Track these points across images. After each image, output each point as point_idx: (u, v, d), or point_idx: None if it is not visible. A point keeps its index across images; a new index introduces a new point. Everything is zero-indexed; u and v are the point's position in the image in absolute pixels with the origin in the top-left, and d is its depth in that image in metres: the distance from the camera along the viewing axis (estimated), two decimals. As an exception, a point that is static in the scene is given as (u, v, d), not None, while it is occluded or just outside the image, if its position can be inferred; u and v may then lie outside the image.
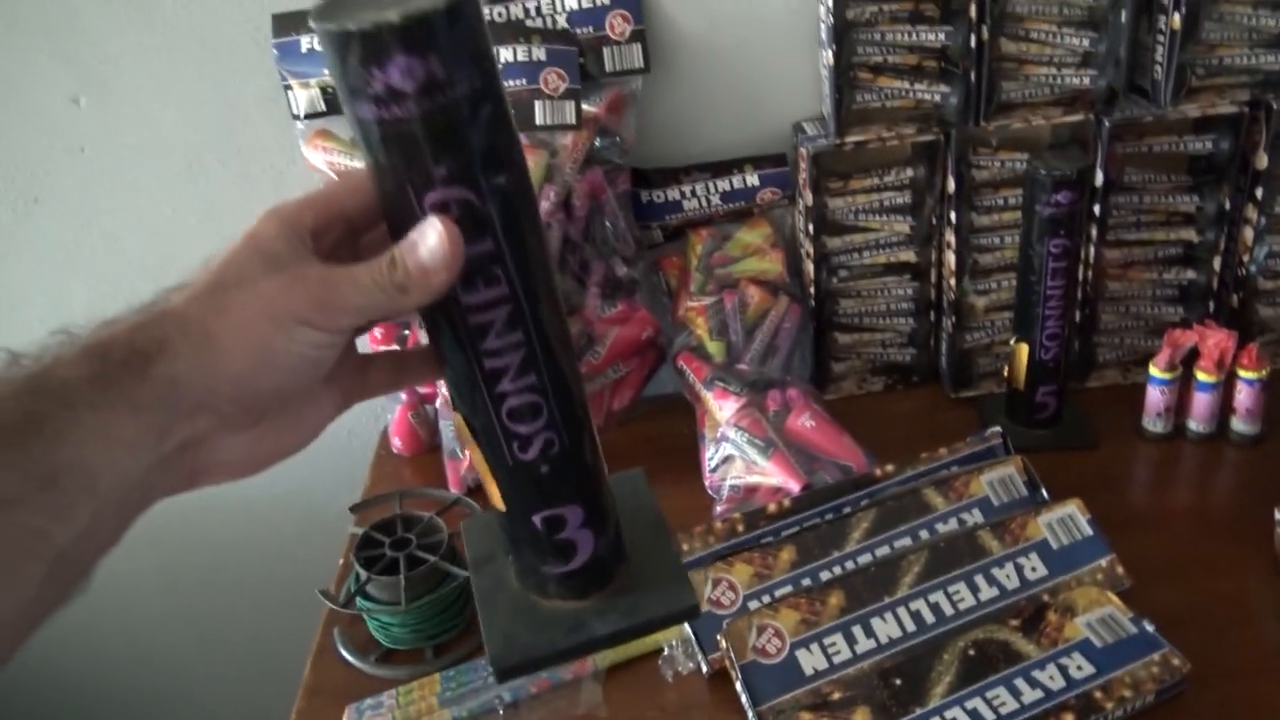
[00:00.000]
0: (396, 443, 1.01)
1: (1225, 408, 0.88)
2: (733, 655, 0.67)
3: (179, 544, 1.17)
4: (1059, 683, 0.64)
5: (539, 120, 0.86)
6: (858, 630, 0.69)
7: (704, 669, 0.70)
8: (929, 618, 0.69)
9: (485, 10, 0.87)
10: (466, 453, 0.43)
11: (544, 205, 0.86)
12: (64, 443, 0.32)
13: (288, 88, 0.90)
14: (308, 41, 0.88)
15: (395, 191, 0.36)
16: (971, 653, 0.66)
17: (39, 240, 1.00)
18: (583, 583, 0.44)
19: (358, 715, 0.72)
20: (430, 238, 0.35)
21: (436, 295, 0.36)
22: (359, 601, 0.77)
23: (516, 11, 0.89)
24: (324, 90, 0.89)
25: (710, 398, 0.89)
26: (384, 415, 1.04)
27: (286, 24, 0.89)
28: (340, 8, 0.34)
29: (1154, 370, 0.88)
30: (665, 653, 0.72)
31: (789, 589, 0.72)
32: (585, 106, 0.88)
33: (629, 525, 0.45)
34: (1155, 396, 0.89)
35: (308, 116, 0.90)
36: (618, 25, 0.89)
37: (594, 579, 0.44)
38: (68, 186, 0.97)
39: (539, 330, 0.39)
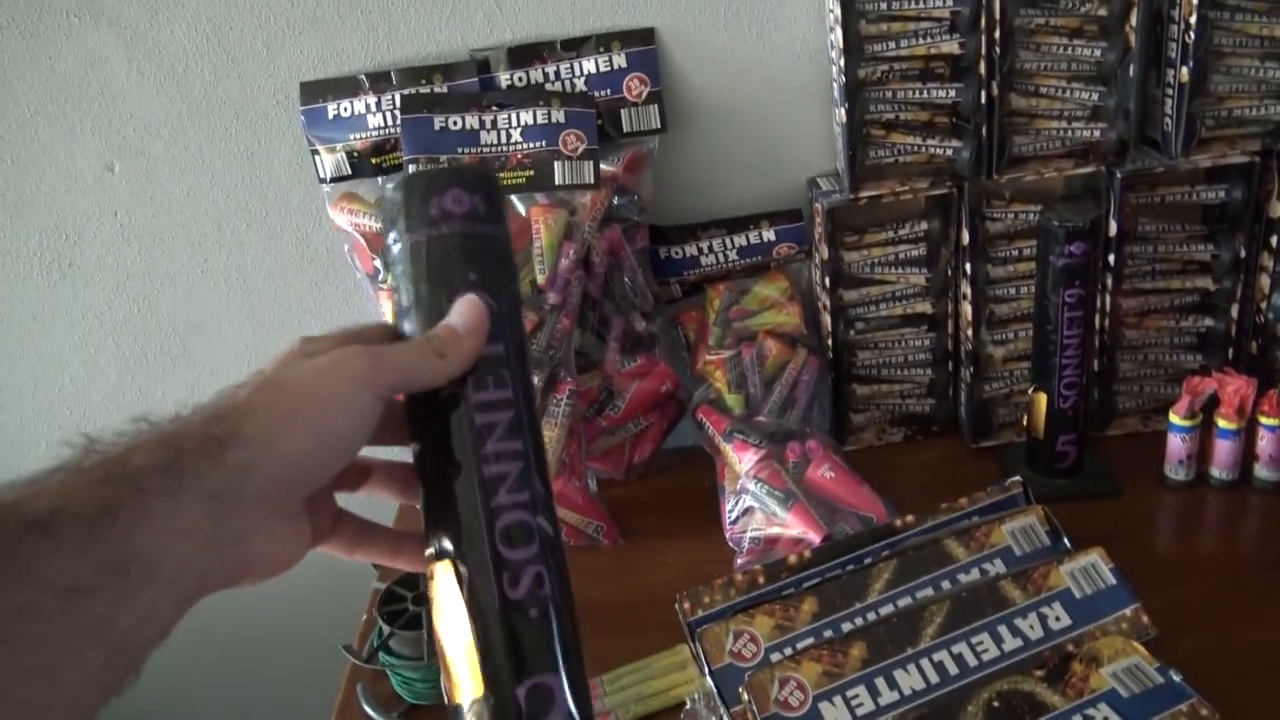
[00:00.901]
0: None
1: (1248, 454, 0.88)
2: (755, 708, 0.67)
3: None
4: (1085, 734, 0.63)
5: (559, 180, 0.88)
6: (880, 682, 0.68)
7: (727, 722, 0.70)
8: (952, 669, 0.69)
9: (507, 75, 0.90)
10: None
11: (564, 263, 0.88)
12: (135, 532, 0.33)
13: (314, 152, 0.93)
14: (334, 108, 0.91)
15: (431, 296, 0.43)
16: (996, 704, 0.66)
17: (73, 303, 1.02)
18: None
19: (381, 771, 0.72)
20: (462, 309, 0.42)
21: (468, 362, 0.41)
22: (382, 656, 0.77)
23: (537, 76, 0.91)
24: (349, 154, 0.92)
25: (730, 450, 0.89)
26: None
27: (313, 91, 0.92)
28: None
29: (1174, 418, 0.88)
30: (688, 706, 0.72)
31: (811, 640, 0.72)
32: (604, 166, 0.90)
33: None
34: (1176, 444, 0.89)
35: (333, 180, 0.93)
36: (635, 87, 0.92)
37: None
38: (101, 250, 1.00)
39: (535, 443, 0.42)
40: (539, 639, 0.39)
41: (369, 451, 0.42)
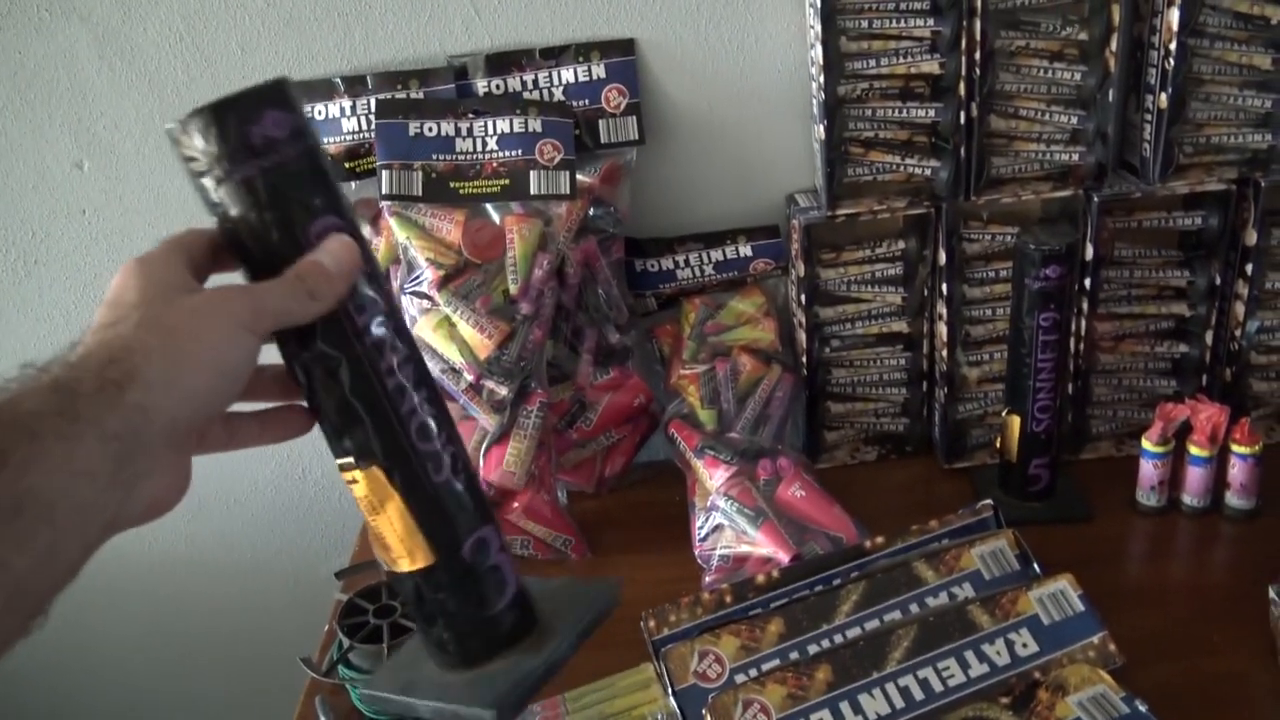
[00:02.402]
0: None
1: (1219, 482, 0.87)
2: (718, 731, 0.66)
3: (167, 599, 1.17)
4: (1050, 764, 0.63)
5: (534, 190, 0.87)
6: (845, 707, 0.68)
7: (689, 744, 0.69)
8: (918, 694, 0.68)
9: (484, 82, 0.90)
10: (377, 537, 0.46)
11: (537, 273, 0.87)
12: (27, 473, 0.33)
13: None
14: (308, 112, 0.90)
15: (280, 231, 0.41)
16: (961, 731, 0.65)
17: (39, 301, 1.01)
18: (519, 618, 0.47)
19: (336, 788, 0.70)
20: (333, 248, 0.42)
21: (338, 300, 0.42)
22: (340, 670, 0.76)
23: (514, 84, 0.90)
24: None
25: (700, 466, 0.89)
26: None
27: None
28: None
29: (1146, 444, 0.88)
30: (650, 727, 0.71)
31: (776, 662, 0.71)
32: (580, 177, 0.90)
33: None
34: (1149, 470, 0.88)
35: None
36: (613, 98, 0.91)
37: (526, 613, 0.48)
38: (69, 248, 0.98)
39: (412, 347, 0.44)
40: (467, 504, 0.45)
41: None
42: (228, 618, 1.18)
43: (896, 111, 0.89)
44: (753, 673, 0.71)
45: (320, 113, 0.90)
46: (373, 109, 0.88)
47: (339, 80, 0.90)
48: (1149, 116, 0.88)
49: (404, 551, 0.44)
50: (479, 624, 0.46)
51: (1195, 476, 0.87)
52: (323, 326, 0.42)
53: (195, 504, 1.10)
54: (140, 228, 0.98)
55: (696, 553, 0.87)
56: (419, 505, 0.44)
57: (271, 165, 0.41)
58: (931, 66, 0.87)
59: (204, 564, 1.15)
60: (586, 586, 0.52)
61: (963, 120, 0.88)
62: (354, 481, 0.44)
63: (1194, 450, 0.86)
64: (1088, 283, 0.92)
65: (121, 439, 0.35)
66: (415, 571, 0.45)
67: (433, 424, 0.44)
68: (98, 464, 0.35)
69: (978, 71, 0.86)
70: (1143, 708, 0.65)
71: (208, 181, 0.41)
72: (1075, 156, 0.90)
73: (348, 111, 0.90)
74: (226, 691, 1.22)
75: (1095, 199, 0.90)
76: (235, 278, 0.44)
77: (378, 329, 0.43)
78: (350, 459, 0.43)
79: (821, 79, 0.87)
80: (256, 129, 0.40)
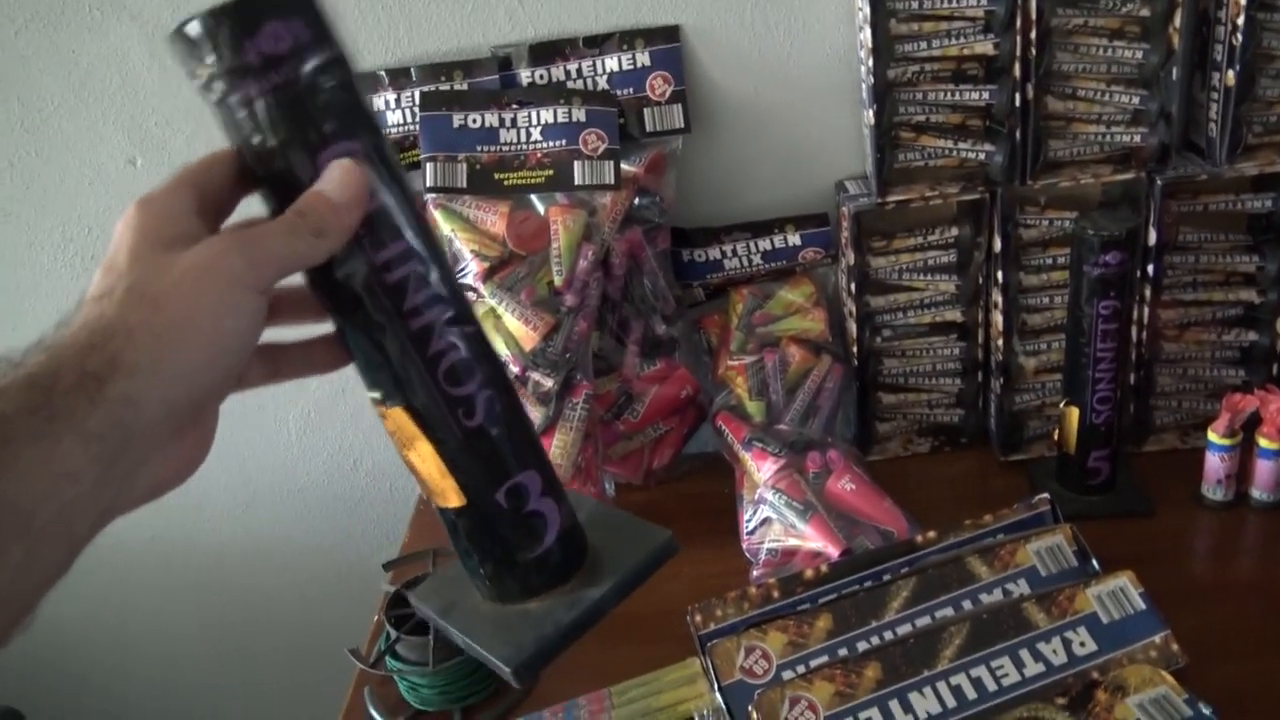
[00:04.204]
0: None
1: (1290, 476, 0.84)
2: (764, 728, 0.65)
3: (220, 590, 1.19)
4: (1108, 767, 0.61)
5: (578, 180, 0.87)
6: (895, 705, 0.66)
7: (735, 741, 0.68)
8: (970, 694, 0.67)
9: (528, 72, 0.89)
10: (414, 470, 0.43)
11: (582, 264, 0.86)
12: None
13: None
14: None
15: (288, 159, 0.37)
16: (1015, 732, 0.63)
17: (96, 296, 1.02)
18: (560, 562, 0.44)
19: (382, 779, 0.71)
20: (337, 176, 0.36)
21: (348, 236, 0.37)
22: (388, 661, 0.76)
23: (558, 73, 0.90)
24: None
25: (749, 458, 0.87)
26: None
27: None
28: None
29: (1213, 436, 0.84)
30: (696, 722, 0.70)
31: (824, 659, 0.70)
32: (625, 166, 0.89)
33: (578, 514, 0.46)
34: (1215, 463, 0.85)
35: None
36: (658, 86, 0.90)
37: (569, 557, 0.44)
38: (123, 244, 1.00)
39: (449, 283, 0.40)
40: (504, 450, 0.42)
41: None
42: (281, 608, 1.20)
43: (949, 94, 0.87)
44: (800, 669, 0.69)
45: (366, 106, 0.90)
46: (417, 101, 0.88)
47: (383, 73, 0.90)
48: (1215, 95, 0.85)
49: (437, 490, 0.42)
50: (513, 567, 0.43)
51: (1264, 470, 0.84)
52: (338, 261, 0.38)
53: (250, 496, 1.12)
54: (192, 223, 0.99)
55: (744, 546, 0.86)
56: (447, 449, 0.41)
57: (271, 85, 0.36)
58: (985, 47, 0.85)
59: (258, 555, 1.16)
60: (645, 531, 0.47)
61: (1018, 102, 0.85)
62: (383, 417, 0.41)
63: (1263, 443, 0.83)
64: (1150, 269, 0.89)
65: (104, 437, 0.32)
66: (449, 509, 0.43)
67: (465, 367, 0.40)
68: (80, 464, 0.31)
69: (1034, 51, 0.83)
70: (1207, 710, 0.63)
71: (210, 98, 0.37)
72: (1137, 138, 0.87)
73: (392, 104, 0.90)
74: (279, 681, 1.24)
75: (1158, 182, 0.87)
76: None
77: (402, 264, 0.39)
78: (378, 394, 0.41)
79: (871, 62, 0.85)
80: (251, 44, 0.35)
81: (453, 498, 0.42)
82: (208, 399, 0.37)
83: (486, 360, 0.41)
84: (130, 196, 1.05)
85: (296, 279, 0.39)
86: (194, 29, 0.36)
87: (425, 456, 0.41)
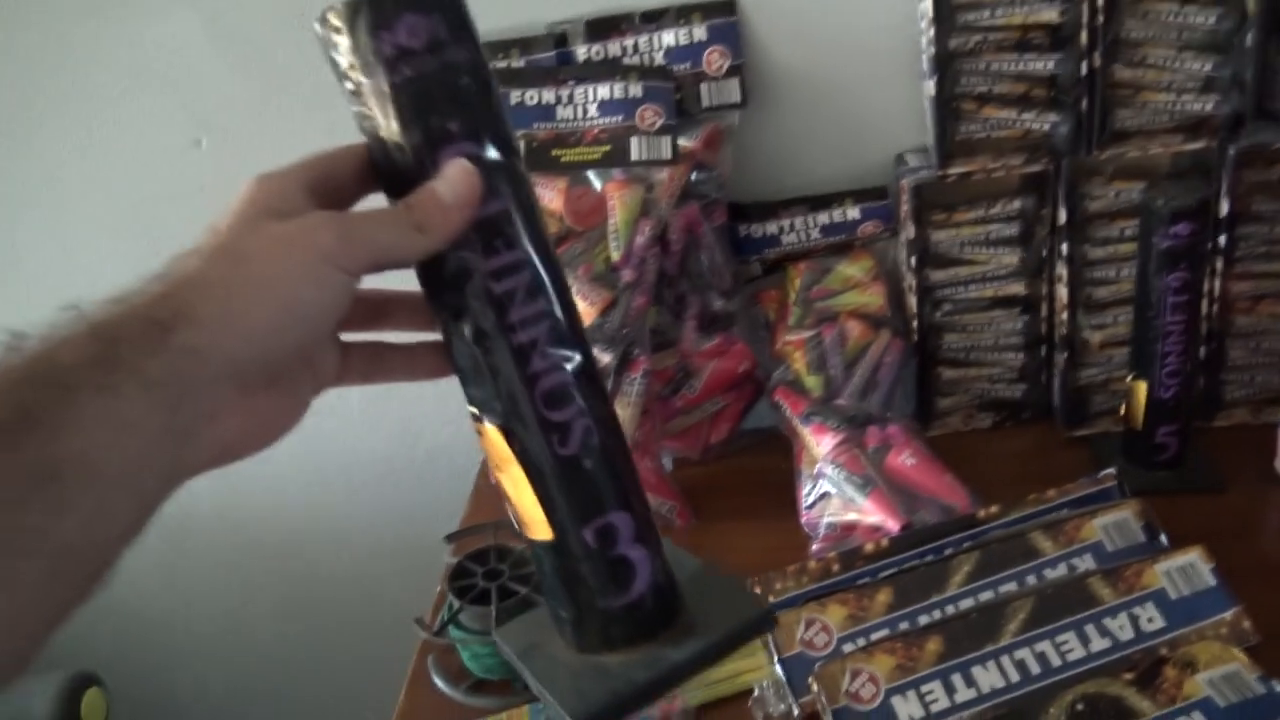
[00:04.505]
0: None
1: (1368, 452, 0.82)
2: (824, 700, 0.65)
3: (287, 564, 1.21)
4: (1176, 743, 0.60)
5: (635, 156, 0.87)
6: (957, 679, 0.66)
7: (795, 712, 0.68)
8: (1034, 668, 0.66)
9: (584, 49, 0.89)
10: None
11: (639, 240, 0.86)
12: (63, 433, 0.30)
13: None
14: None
15: (408, 154, 0.37)
16: (1080, 707, 0.63)
17: (165, 277, 1.05)
18: (647, 617, 0.42)
19: (447, 745, 0.72)
20: (451, 174, 0.36)
21: (452, 236, 0.37)
22: (451, 631, 0.77)
23: (614, 49, 0.90)
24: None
25: (807, 433, 0.87)
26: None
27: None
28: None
29: (1286, 410, 0.82)
30: (755, 694, 0.70)
31: (885, 632, 0.70)
32: (682, 141, 0.88)
33: (675, 572, 0.44)
34: (1288, 438, 0.83)
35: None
36: (715, 60, 0.89)
37: (657, 613, 0.42)
38: (189, 226, 1.02)
39: (561, 299, 0.39)
40: (596, 485, 0.40)
41: (381, 282, 0.39)
42: (346, 581, 1.22)
43: (1012, 64, 0.85)
44: (860, 642, 0.69)
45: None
46: (475, 79, 0.89)
47: (442, 51, 0.90)
48: (1292, 60, 0.82)
49: (527, 519, 0.41)
50: (594, 614, 0.41)
51: (1341, 445, 0.82)
52: (448, 261, 0.38)
53: (315, 473, 1.14)
54: (256, 203, 1.01)
55: (803, 521, 0.86)
56: (536, 475, 0.39)
57: (403, 79, 0.36)
58: (1050, 15, 0.83)
59: (324, 530, 1.19)
60: (743, 600, 0.46)
61: (1084, 71, 0.83)
62: (480, 435, 0.40)
63: (1340, 417, 0.81)
64: (1222, 240, 0.87)
65: (166, 385, 0.31)
66: (537, 542, 0.41)
67: (565, 392, 0.39)
68: (143, 414, 0.31)
69: (1101, 18, 0.81)
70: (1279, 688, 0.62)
71: (346, 87, 0.38)
72: (1209, 106, 0.84)
73: (451, 82, 0.90)
74: (346, 651, 1.27)
75: (1231, 151, 0.84)
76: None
77: (511, 274, 0.38)
78: (475, 410, 0.40)
79: (932, 32, 0.83)
80: (388, 35, 0.36)
81: (541, 530, 0.40)
82: (275, 367, 0.36)
83: (591, 389, 0.40)
84: (196, 178, 1.07)
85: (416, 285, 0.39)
86: (333, 18, 0.36)
87: (516, 481, 0.40)
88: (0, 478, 0.29)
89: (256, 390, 0.36)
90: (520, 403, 0.39)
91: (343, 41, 0.36)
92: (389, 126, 0.37)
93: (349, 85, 0.37)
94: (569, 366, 0.39)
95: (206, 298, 0.33)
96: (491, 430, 0.40)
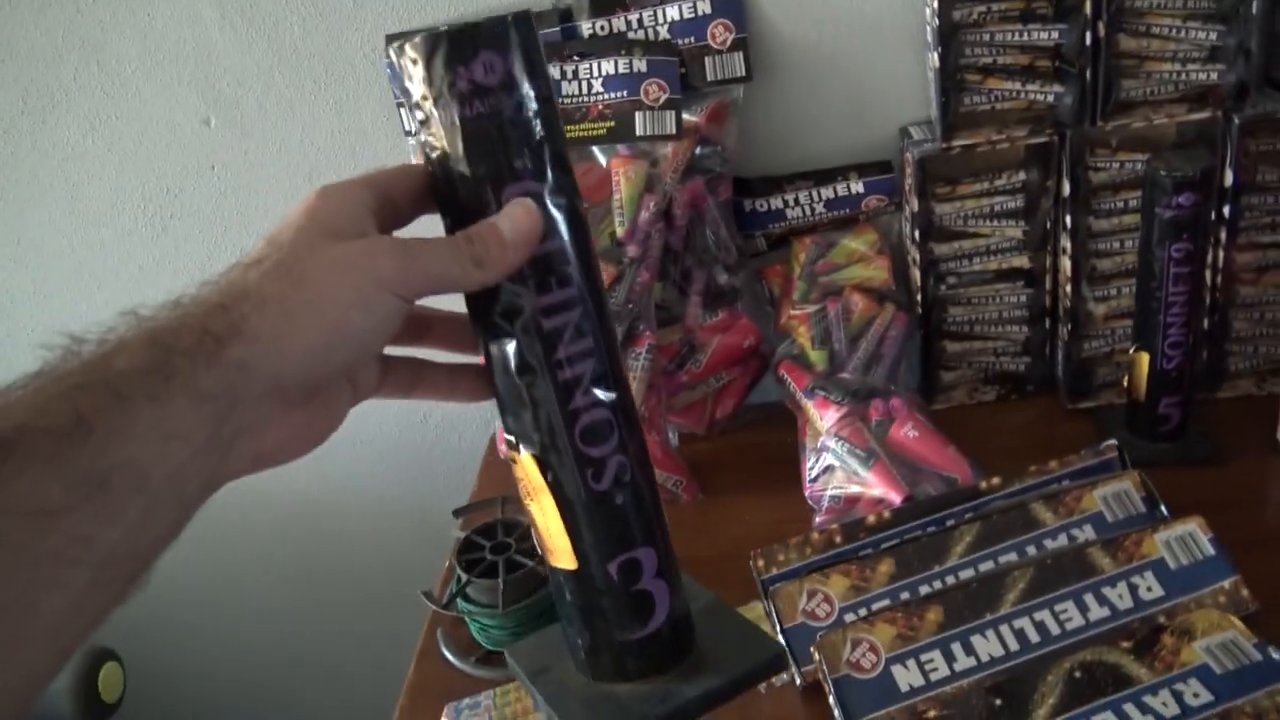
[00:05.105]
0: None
1: (1372, 422, 0.82)
2: (825, 669, 0.66)
3: (299, 537, 1.23)
4: (1173, 709, 0.61)
5: (639, 130, 0.87)
6: (957, 648, 0.67)
7: (797, 682, 0.69)
8: (1033, 637, 0.67)
9: (589, 24, 0.89)
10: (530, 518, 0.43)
11: (644, 215, 0.86)
12: (114, 442, 0.30)
13: (400, 104, 0.93)
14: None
15: (473, 188, 0.38)
16: (1078, 675, 0.64)
17: (176, 255, 1.06)
18: (663, 650, 0.42)
19: (456, 715, 0.74)
20: (514, 212, 0.37)
21: (509, 272, 0.37)
22: (459, 603, 0.79)
23: (618, 24, 0.90)
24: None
25: (811, 407, 0.88)
26: (494, 421, 1.06)
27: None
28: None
29: (1290, 381, 0.82)
30: (759, 664, 0.71)
31: (886, 603, 0.71)
32: (686, 116, 0.89)
33: (690, 604, 0.44)
34: (1291, 409, 0.83)
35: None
36: (719, 34, 0.89)
37: (672, 648, 0.43)
38: (200, 204, 1.03)
39: (606, 340, 0.40)
40: (625, 521, 0.41)
41: (425, 300, 0.39)
42: (356, 555, 1.24)
43: (1016, 35, 0.85)
44: (862, 612, 0.70)
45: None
46: (479, 55, 0.89)
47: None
48: (1298, 29, 0.82)
49: (552, 548, 0.41)
50: (611, 645, 0.42)
51: (1344, 415, 0.82)
52: (501, 294, 0.38)
53: (325, 448, 1.14)
54: (265, 181, 1.02)
55: (807, 494, 0.87)
56: (567, 507, 0.40)
57: (475, 114, 0.36)
58: (1054, -15, 0.83)
59: (334, 504, 1.20)
60: (756, 639, 0.45)
61: (1089, 41, 0.83)
62: (513, 462, 0.41)
63: (1343, 387, 0.81)
64: (1226, 211, 0.87)
65: (216, 399, 0.32)
66: (559, 570, 0.42)
67: (603, 429, 0.40)
68: (192, 426, 0.32)
69: (1105, -12, 0.81)
70: (1277, 655, 0.62)
71: (415, 115, 0.38)
72: (1214, 75, 0.84)
73: (455, 59, 0.90)
74: (357, 624, 1.29)
75: (1236, 120, 0.84)
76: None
77: (561, 312, 0.39)
78: (512, 438, 0.41)
79: (935, 4, 0.83)
80: (464, 71, 0.36)
81: (566, 559, 0.41)
82: (318, 385, 0.37)
83: (627, 427, 0.41)
84: (206, 156, 1.07)
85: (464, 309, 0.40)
86: (410, 49, 0.37)
87: (546, 511, 0.41)
88: (50, 486, 0.29)
89: (297, 404, 0.37)
90: (559, 436, 0.39)
91: (418, 73, 0.37)
92: (456, 158, 0.38)
93: (419, 114, 0.38)
94: (608, 404, 0.40)
95: (262, 315, 0.34)
96: (527, 459, 0.40)
